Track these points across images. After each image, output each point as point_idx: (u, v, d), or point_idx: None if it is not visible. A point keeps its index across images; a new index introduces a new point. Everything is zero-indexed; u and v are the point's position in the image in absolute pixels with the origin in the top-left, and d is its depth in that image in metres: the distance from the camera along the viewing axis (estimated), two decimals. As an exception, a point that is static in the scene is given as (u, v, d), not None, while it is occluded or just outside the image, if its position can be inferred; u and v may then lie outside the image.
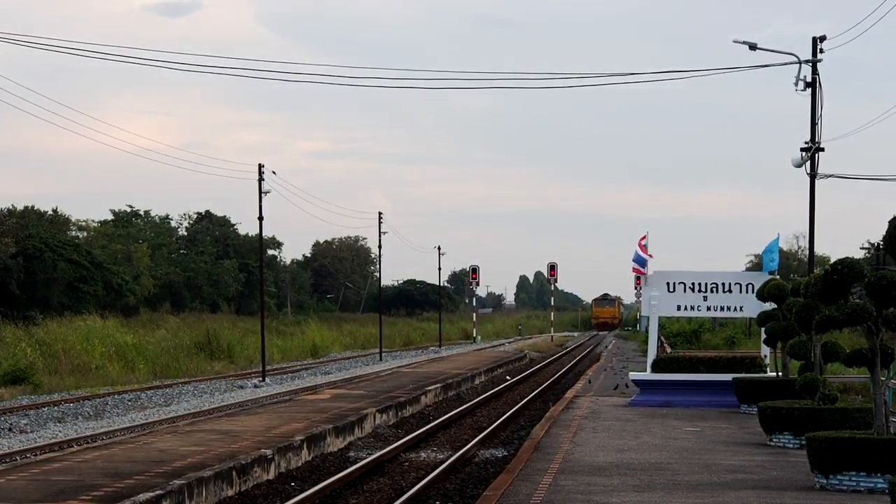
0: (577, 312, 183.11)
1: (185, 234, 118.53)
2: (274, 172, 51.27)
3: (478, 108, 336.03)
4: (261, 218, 50.24)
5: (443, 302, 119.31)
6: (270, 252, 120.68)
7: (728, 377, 28.76)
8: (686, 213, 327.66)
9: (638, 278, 32.68)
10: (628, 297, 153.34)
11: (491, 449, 24.56)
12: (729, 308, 31.13)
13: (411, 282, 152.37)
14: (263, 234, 53.17)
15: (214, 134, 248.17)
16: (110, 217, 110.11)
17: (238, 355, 59.06)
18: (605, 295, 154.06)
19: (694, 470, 17.96)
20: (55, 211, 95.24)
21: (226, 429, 23.86)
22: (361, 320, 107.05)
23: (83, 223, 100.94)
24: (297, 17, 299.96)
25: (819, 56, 35.30)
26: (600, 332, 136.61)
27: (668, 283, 30.93)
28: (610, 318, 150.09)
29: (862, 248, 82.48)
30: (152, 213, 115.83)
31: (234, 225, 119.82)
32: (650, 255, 31.96)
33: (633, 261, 31.76)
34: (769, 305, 27.50)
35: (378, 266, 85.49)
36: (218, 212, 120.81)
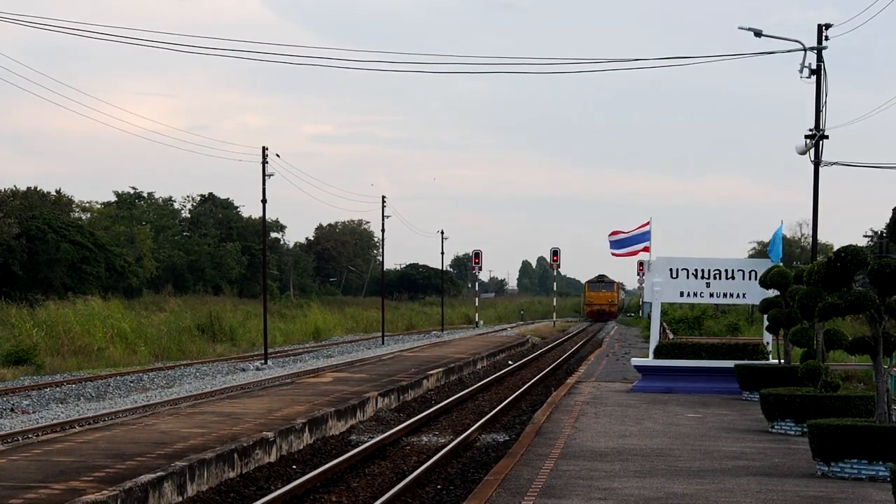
0: (579, 298, 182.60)
1: (188, 216, 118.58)
2: (278, 155, 51.39)
3: (482, 93, 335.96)
4: (264, 200, 50.29)
5: (445, 286, 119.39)
6: (273, 235, 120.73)
7: (730, 364, 28.78)
8: (689, 199, 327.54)
9: (640, 264, 32.63)
10: (630, 283, 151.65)
11: (493, 433, 24.57)
12: (732, 295, 31.09)
13: (414, 266, 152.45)
14: (266, 217, 53.18)
15: (219, 116, 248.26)
16: (113, 199, 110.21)
17: (240, 338, 59.15)
18: (602, 277, 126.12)
19: (695, 456, 17.97)
20: (58, 192, 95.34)
21: (227, 411, 23.87)
22: (364, 304, 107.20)
23: (86, 204, 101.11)
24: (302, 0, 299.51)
25: (824, 43, 35.25)
26: (596, 322, 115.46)
27: (670, 270, 30.91)
28: (607, 305, 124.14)
29: (865, 236, 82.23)
30: (155, 195, 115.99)
31: (237, 207, 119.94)
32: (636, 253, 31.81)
33: (636, 241, 31.68)
34: (772, 292, 27.48)
35: (381, 250, 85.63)
36: (221, 194, 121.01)
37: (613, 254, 34.85)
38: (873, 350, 15.64)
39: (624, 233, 33.53)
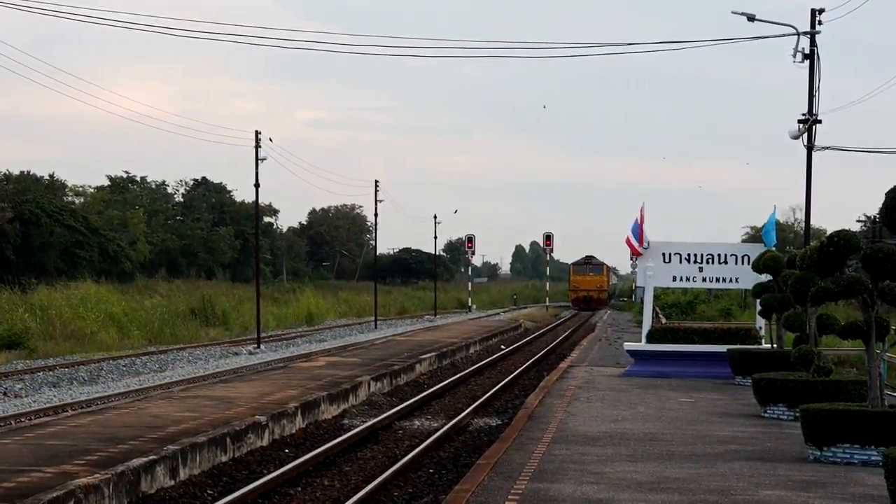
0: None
1: (182, 200, 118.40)
2: (270, 139, 51.41)
3: (477, 77, 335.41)
4: (257, 185, 50.27)
5: (438, 271, 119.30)
6: (267, 219, 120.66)
7: (723, 348, 28.81)
8: (683, 184, 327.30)
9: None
10: (623, 266, 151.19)
11: (485, 418, 24.59)
12: (724, 279, 31.13)
13: (407, 250, 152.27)
14: (260, 202, 53.13)
15: (213, 101, 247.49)
16: (107, 183, 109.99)
17: (233, 322, 59.10)
18: (589, 258, 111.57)
19: (688, 441, 17.98)
20: (52, 176, 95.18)
21: (220, 395, 23.87)
22: (357, 288, 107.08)
23: (80, 189, 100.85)
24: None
25: (818, 28, 35.24)
26: (582, 312, 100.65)
27: (663, 254, 30.91)
28: (595, 291, 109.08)
29: (858, 221, 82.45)
30: (149, 180, 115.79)
31: (230, 192, 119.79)
32: (643, 244, 31.28)
33: (631, 231, 31.37)
34: (765, 277, 27.48)
35: (374, 234, 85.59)
36: (214, 179, 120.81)
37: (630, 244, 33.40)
38: (865, 335, 15.65)
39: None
